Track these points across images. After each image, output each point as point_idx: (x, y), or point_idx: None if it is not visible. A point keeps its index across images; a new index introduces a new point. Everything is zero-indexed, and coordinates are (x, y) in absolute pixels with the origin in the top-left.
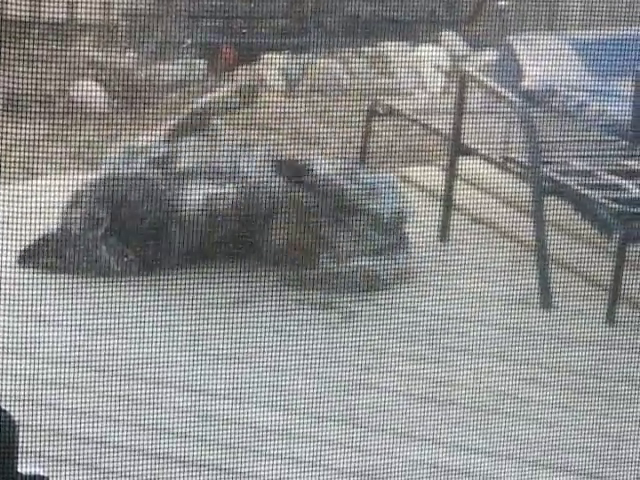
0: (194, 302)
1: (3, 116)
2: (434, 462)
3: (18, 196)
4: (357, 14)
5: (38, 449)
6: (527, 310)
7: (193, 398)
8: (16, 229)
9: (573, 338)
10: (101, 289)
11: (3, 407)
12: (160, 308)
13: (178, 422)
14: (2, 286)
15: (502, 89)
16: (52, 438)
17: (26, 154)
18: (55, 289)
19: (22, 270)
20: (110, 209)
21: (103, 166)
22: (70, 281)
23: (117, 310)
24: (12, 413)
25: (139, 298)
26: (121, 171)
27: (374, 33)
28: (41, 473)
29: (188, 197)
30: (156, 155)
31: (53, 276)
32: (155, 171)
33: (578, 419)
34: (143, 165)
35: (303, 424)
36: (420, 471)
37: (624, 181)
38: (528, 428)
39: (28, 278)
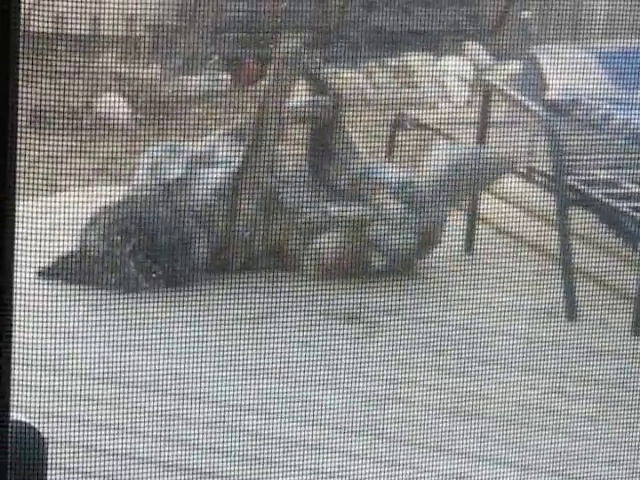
0: (221, 316)
1: (28, 131)
2: (461, 474)
3: (42, 211)
4: (381, 26)
5: (67, 464)
6: (553, 321)
7: (220, 411)
8: (41, 244)
9: (599, 349)
10: (128, 304)
11: (31, 422)
12: (187, 322)
13: (205, 436)
14: (29, 300)
15: (526, 100)
16: (80, 453)
17: (51, 169)
18: (82, 304)
19: (47, 284)
20: (139, 225)
21: (134, 178)
22: (97, 296)
23: (144, 324)
24: (40, 428)
25: (166, 313)
26: (150, 182)
27: (398, 45)
28: None
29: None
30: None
31: (80, 291)
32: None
33: (604, 430)
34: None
35: (331, 437)
36: None
37: None
38: (555, 440)
39: (54, 292)
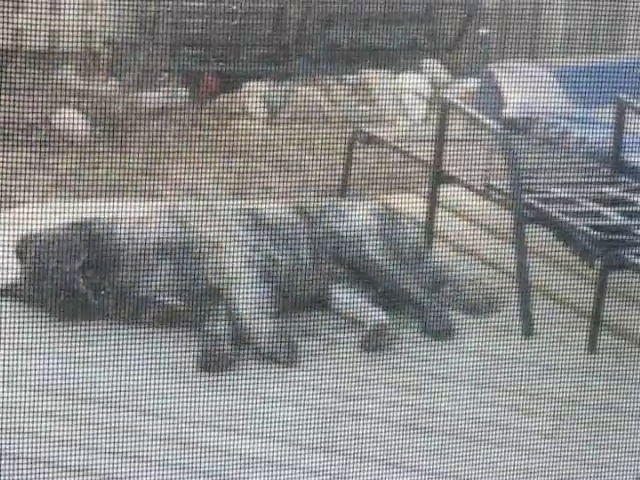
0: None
1: None
2: None
3: (0, 224)
4: (339, 42)
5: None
6: (509, 338)
7: (176, 426)
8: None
9: (555, 366)
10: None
11: None
12: (139, 338)
13: (164, 451)
14: None
15: (483, 117)
16: (33, 466)
17: (8, 182)
18: (33, 319)
19: (6, 297)
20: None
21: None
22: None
23: (95, 340)
24: None
25: (117, 329)
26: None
27: (356, 61)
28: None
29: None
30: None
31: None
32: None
33: (561, 447)
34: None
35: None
36: None
37: (605, 209)
38: (511, 456)
39: (6, 308)
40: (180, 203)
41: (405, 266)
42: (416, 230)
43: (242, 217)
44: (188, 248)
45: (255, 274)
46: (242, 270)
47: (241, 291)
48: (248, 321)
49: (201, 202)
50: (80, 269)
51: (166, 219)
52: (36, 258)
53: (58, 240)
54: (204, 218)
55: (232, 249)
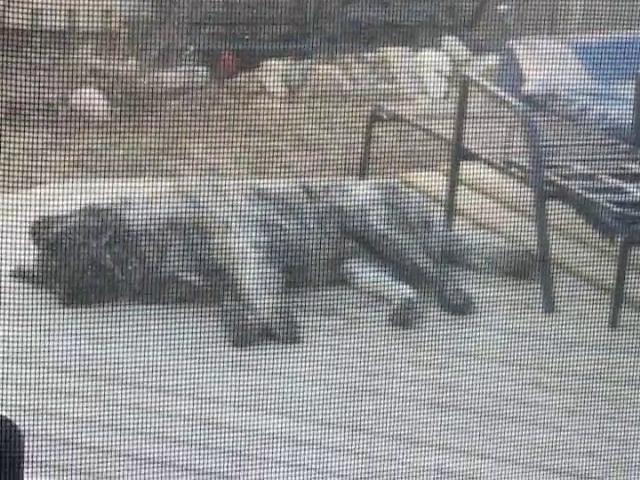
0: (198, 310)
1: (4, 125)
2: (439, 467)
3: (20, 205)
4: (358, 19)
5: (44, 458)
6: (530, 314)
7: (198, 406)
8: (17, 238)
9: (576, 342)
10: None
11: (8, 417)
12: (162, 316)
13: (182, 430)
14: (3, 295)
15: (503, 93)
16: (57, 447)
17: (27, 162)
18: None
19: (22, 279)
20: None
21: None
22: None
23: (122, 319)
24: (17, 423)
25: (143, 306)
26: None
27: (375, 38)
28: None
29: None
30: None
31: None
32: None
33: (582, 422)
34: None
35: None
36: None
37: (626, 184)
38: (533, 432)
39: (30, 287)
40: (191, 181)
41: (415, 239)
42: (427, 203)
43: (250, 195)
44: (198, 227)
45: (260, 253)
46: (247, 249)
47: (247, 270)
48: (253, 299)
49: (211, 180)
50: (107, 244)
51: (177, 197)
52: (58, 238)
53: (79, 220)
54: (214, 196)
55: (239, 228)
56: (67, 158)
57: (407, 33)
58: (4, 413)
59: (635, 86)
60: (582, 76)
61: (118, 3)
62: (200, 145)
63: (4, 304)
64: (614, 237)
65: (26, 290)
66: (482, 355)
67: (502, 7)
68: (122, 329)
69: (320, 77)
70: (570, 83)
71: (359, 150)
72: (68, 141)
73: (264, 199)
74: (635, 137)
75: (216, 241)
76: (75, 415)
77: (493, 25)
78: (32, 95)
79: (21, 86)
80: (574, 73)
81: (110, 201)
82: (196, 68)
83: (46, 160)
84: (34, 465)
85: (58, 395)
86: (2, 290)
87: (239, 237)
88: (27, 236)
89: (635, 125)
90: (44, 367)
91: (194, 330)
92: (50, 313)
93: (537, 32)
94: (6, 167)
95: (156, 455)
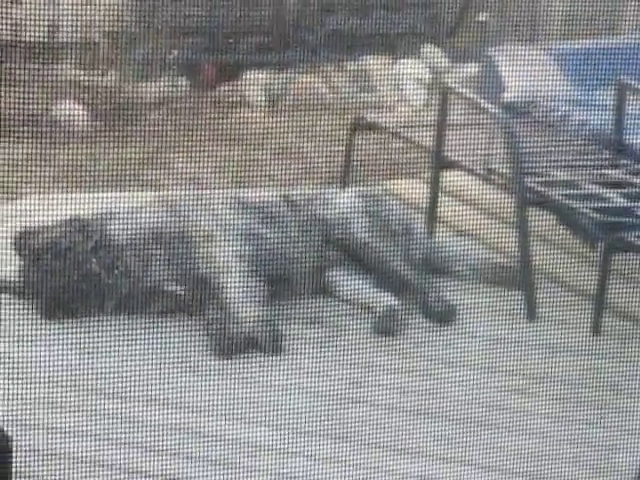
0: (184, 322)
1: None
2: (422, 475)
3: (2, 218)
4: (338, 29)
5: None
6: (512, 321)
7: (185, 416)
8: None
9: (559, 348)
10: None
11: None
12: (146, 327)
13: (167, 440)
14: None
15: (484, 101)
16: (45, 458)
17: (9, 175)
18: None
19: (6, 291)
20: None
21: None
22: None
23: (106, 330)
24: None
25: (127, 318)
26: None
27: (356, 48)
28: None
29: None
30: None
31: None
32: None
33: (566, 429)
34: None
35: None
36: None
37: (607, 191)
38: (516, 439)
39: (13, 299)
40: (174, 193)
41: (398, 248)
42: (409, 211)
43: (233, 206)
44: (182, 238)
45: (244, 264)
46: (231, 260)
47: (229, 280)
48: (236, 310)
49: (193, 191)
50: (90, 256)
51: (160, 209)
52: (41, 250)
53: (63, 232)
54: (197, 207)
55: (223, 238)
56: (49, 171)
57: (387, 43)
58: None
59: (615, 93)
60: (562, 83)
61: (99, 15)
62: (182, 156)
63: None
64: (595, 244)
65: (9, 302)
66: (465, 363)
67: (483, 16)
68: (106, 341)
69: (301, 87)
70: (550, 90)
71: (341, 159)
72: (50, 153)
73: (247, 209)
74: (616, 144)
75: (199, 251)
76: (59, 426)
77: (473, 34)
78: (13, 108)
79: (2, 99)
80: (554, 80)
81: (93, 213)
82: (177, 79)
83: (28, 173)
84: (20, 476)
85: (42, 406)
86: None
87: (222, 247)
88: (10, 248)
89: (615, 132)
90: (28, 379)
91: (178, 341)
92: (34, 325)
93: (517, 40)
94: None
95: (141, 465)
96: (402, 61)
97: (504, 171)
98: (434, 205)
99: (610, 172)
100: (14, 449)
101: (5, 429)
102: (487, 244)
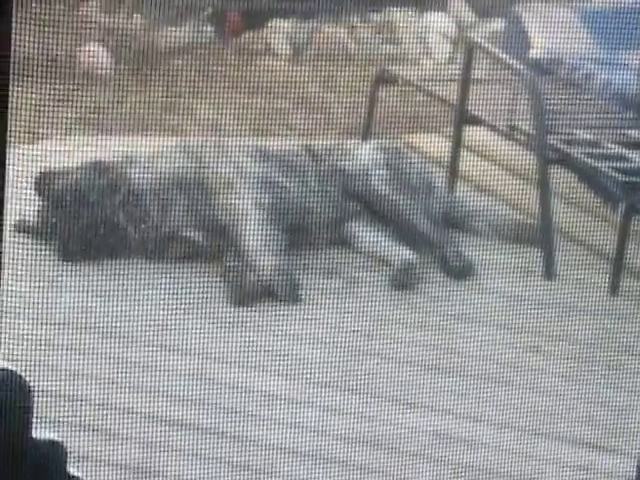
0: (202, 269)
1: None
2: (436, 430)
3: (25, 159)
4: None
5: (53, 414)
6: (530, 280)
7: (200, 364)
8: (22, 193)
9: (576, 308)
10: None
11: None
12: (163, 273)
13: (183, 387)
14: (10, 250)
15: (509, 58)
16: (66, 403)
17: (32, 117)
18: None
19: (29, 235)
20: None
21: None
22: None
23: (123, 274)
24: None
25: (144, 262)
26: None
27: (381, 0)
28: (55, 438)
29: None
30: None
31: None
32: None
33: (580, 389)
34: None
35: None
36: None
37: (629, 152)
38: (530, 397)
39: (33, 240)
40: (194, 139)
41: (417, 202)
42: (430, 167)
43: (253, 155)
44: (201, 184)
45: (262, 213)
46: (250, 209)
47: (248, 229)
48: (254, 259)
49: (214, 139)
50: (110, 200)
51: (181, 155)
52: (62, 190)
53: (83, 175)
54: (217, 155)
55: (242, 187)
56: (71, 113)
57: None
58: (13, 368)
59: None
60: (588, 42)
61: None
62: (204, 103)
63: (7, 258)
64: (616, 204)
65: (29, 244)
66: (481, 319)
67: None
68: (123, 284)
69: (325, 38)
70: (576, 50)
71: (363, 111)
72: (73, 96)
73: (267, 159)
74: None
75: (218, 199)
76: (76, 370)
77: None
78: (37, 50)
79: (26, 41)
80: (580, 40)
81: (114, 157)
82: (202, 25)
83: (50, 115)
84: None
85: (59, 349)
86: (5, 244)
87: (241, 196)
88: (30, 189)
89: None
90: (45, 322)
91: (195, 287)
92: (52, 266)
93: None
94: (10, 121)
95: (154, 411)
96: (428, 14)
97: (527, 128)
98: (455, 160)
99: (633, 133)
100: (34, 395)
101: (24, 373)
102: (507, 201)
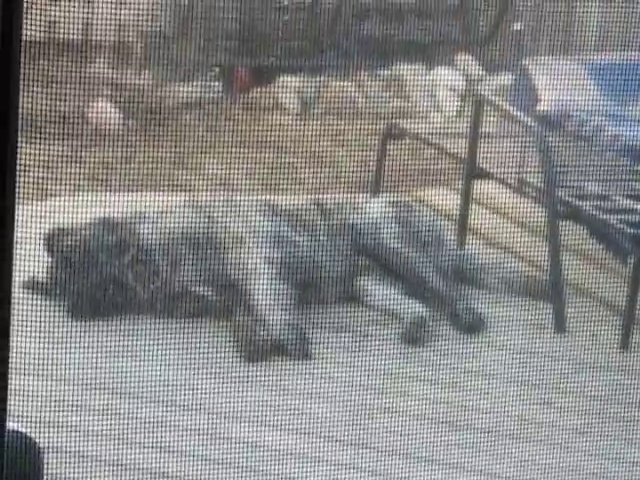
0: (212, 326)
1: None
2: None
3: (33, 217)
4: (372, 36)
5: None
6: (541, 334)
7: (211, 421)
8: (31, 250)
9: (587, 363)
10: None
11: (27, 432)
12: (173, 330)
13: (194, 445)
14: (19, 308)
15: (517, 112)
16: (76, 462)
17: (42, 174)
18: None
19: (38, 294)
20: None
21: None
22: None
23: (133, 332)
24: (35, 436)
25: (162, 323)
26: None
27: (389, 55)
28: None
29: None
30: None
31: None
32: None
33: (592, 443)
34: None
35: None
36: None
37: (639, 205)
38: (543, 452)
39: (46, 301)
40: (205, 196)
41: (428, 257)
42: (440, 221)
43: (264, 210)
44: (212, 241)
45: (273, 269)
46: (260, 265)
47: (258, 285)
48: (264, 315)
49: (224, 195)
50: (120, 257)
51: (191, 212)
52: (72, 248)
53: (93, 232)
54: (227, 211)
55: (252, 243)
56: (81, 171)
57: (421, 50)
58: (22, 429)
59: None
60: (596, 96)
61: (133, 16)
62: (214, 159)
63: (17, 316)
64: (627, 258)
65: (38, 302)
66: (493, 374)
67: (517, 25)
68: (133, 343)
69: (334, 93)
70: (584, 103)
71: (372, 166)
72: (82, 154)
73: (277, 215)
74: None
75: (229, 255)
76: (88, 428)
77: (508, 43)
78: (47, 107)
79: (36, 98)
80: (588, 93)
81: (124, 214)
82: (211, 82)
83: (60, 172)
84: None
85: (70, 408)
86: (15, 301)
87: (252, 252)
88: (41, 247)
89: None
90: (56, 379)
91: (205, 344)
92: (61, 325)
93: (552, 51)
94: (21, 179)
95: (168, 470)
96: (436, 69)
97: (536, 183)
98: (465, 215)
99: None
100: (44, 455)
101: (32, 434)
102: (517, 255)
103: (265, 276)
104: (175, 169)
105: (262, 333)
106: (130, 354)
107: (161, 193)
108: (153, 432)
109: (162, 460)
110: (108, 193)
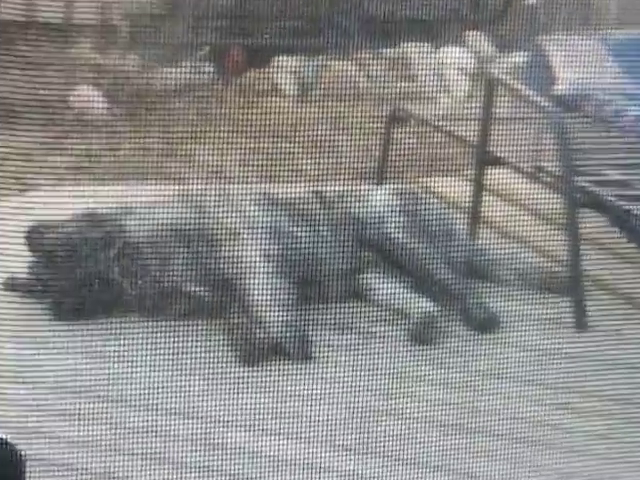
0: (205, 326)
1: None
2: None
3: (12, 212)
4: (375, 13)
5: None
6: (560, 331)
7: (204, 428)
8: (10, 247)
9: (610, 361)
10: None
11: (9, 439)
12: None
13: (188, 453)
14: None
15: (532, 94)
16: (60, 472)
17: (21, 165)
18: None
19: (17, 292)
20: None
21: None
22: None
23: (121, 333)
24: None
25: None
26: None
27: (393, 34)
28: None
29: None
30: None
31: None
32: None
33: (614, 448)
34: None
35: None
36: None
37: None
38: (561, 458)
39: (26, 299)
40: (196, 187)
41: (437, 250)
42: (449, 211)
43: (261, 202)
44: (205, 235)
45: (271, 265)
46: (257, 260)
47: (255, 282)
48: (261, 314)
49: (218, 186)
50: (106, 253)
51: (182, 204)
52: (54, 245)
53: (77, 227)
54: (221, 203)
55: (248, 237)
56: (64, 161)
57: (428, 28)
58: (3, 436)
59: None
60: (617, 76)
61: None
62: (206, 147)
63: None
64: None
65: (19, 302)
66: (507, 375)
67: (531, 0)
68: (120, 344)
69: (335, 75)
70: (604, 83)
71: (377, 153)
72: (64, 143)
73: (275, 206)
74: None
75: (223, 251)
76: (70, 436)
77: (521, 20)
78: (26, 93)
79: (14, 83)
80: (608, 73)
81: (110, 207)
82: (202, 64)
83: (42, 163)
84: None
85: (53, 415)
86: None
87: (248, 246)
88: (21, 243)
89: None
90: (39, 384)
91: (198, 346)
92: (44, 327)
93: (569, 28)
94: None
95: (158, 478)
96: (444, 48)
97: (553, 169)
98: (477, 205)
99: None
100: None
101: (14, 441)
102: (533, 248)
103: (262, 272)
104: (164, 158)
105: (259, 333)
106: (117, 357)
107: (150, 184)
108: (143, 440)
109: (153, 469)
110: (93, 185)
